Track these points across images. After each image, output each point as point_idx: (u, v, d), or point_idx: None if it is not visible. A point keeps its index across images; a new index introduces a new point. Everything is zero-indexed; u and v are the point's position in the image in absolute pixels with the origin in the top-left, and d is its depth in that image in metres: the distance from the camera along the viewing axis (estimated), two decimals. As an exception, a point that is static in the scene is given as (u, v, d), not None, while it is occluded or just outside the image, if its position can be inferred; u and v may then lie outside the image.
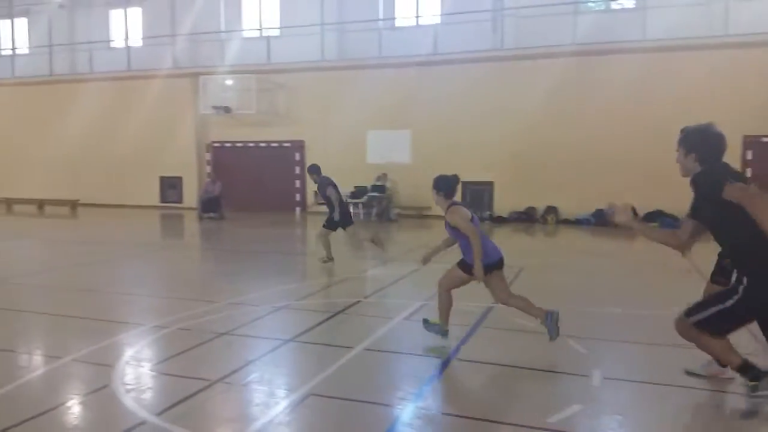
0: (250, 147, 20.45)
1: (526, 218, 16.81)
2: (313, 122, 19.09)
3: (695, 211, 3.73)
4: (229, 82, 19.43)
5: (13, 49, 23.36)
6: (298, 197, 19.78)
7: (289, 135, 19.66)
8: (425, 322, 5.69)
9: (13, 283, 8.58)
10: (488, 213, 17.05)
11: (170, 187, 21.58)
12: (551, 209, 16.65)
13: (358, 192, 17.75)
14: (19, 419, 3.86)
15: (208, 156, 21.03)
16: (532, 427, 3.81)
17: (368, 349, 5.38)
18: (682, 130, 3.83)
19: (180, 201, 21.27)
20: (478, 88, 17.13)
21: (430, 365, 5.01)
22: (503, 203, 17.32)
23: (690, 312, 3.80)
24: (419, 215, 17.67)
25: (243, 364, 4.99)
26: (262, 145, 20.28)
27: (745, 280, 3.54)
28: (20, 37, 23.42)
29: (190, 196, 20.87)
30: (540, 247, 13.94)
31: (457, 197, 5.82)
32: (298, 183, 19.67)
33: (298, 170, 19.65)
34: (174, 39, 20.69)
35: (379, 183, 17.69)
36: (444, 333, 5.54)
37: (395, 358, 5.27)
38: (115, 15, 22.17)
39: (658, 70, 15.60)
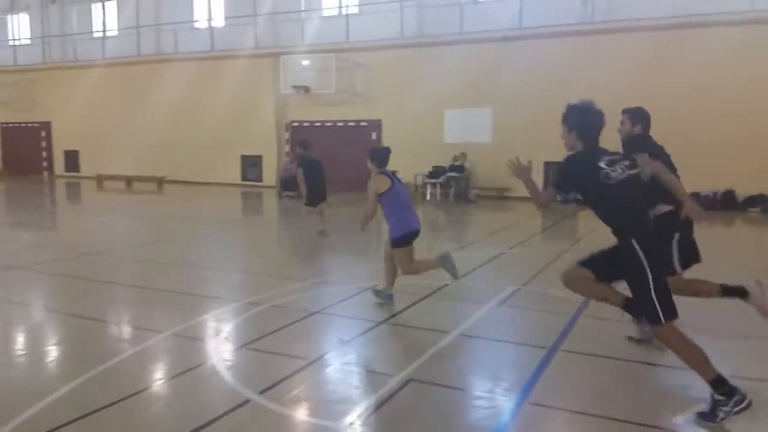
0: (328, 126, 20.50)
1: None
2: (390, 101, 18.89)
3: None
4: (307, 62, 19.49)
5: (104, 31, 24.32)
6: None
7: (366, 114, 19.56)
8: (375, 291, 6.06)
9: (111, 256, 8.91)
10: (573, 194, 16.34)
11: (251, 165, 22.00)
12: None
13: (436, 172, 17.45)
14: (126, 393, 3.91)
15: (287, 135, 21.26)
16: (656, 428, 3.50)
17: (464, 335, 5.18)
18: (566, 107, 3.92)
19: (260, 179, 21.66)
20: (565, 63, 16.36)
21: (533, 355, 4.74)
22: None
23: (649, 318, 3.65)
24: (499, 196, 17.21)
25: (338, 345, 4.90)
26: (340, 124, 20.28)
27: (633, 242, 3.59)
28: (110, 20, 24.34)
29: (270, 174, 21.22)
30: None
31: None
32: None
33: (375, 149, 19.56)
34: (255, 19, 20.90)
35: (457, 163, 17.31)
36: (390, 297, 5.95)
37: (494, 346, 5.05)
38: (199, -5, 22.64)
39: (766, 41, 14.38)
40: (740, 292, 4.35)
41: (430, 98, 17.99)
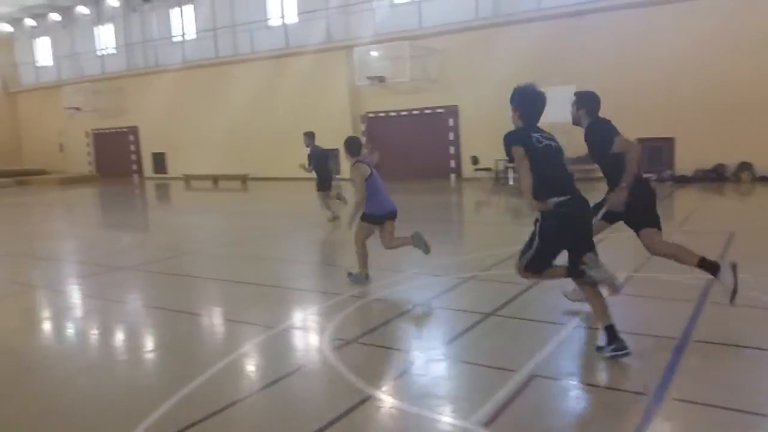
0: (404, 115, 20.36)
1: (715, 176, 15.06)
2: (466, 85, 18.52)
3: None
4: (376, 53, 19.39)
5: (183, 35, 25.15)
6: (452, 164, 19.41)
7: (442, 100, 19.28)
8: (349, 274, 6.44)
9: (209, 254, 9.15)
10: (669, 172, 15.50)
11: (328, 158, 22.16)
12: (745, 165, 14.71)
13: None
14: (245, 392, 3.92)
15: (363, 127, 21.29)
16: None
17: (583, 327, 4.90)
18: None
19: (338, 172, 21.79)
20: (652, 33, 15.49)
21: (663, 346, 4.41)
22: (686, 160, 15.65)
23: (518, 260, 4.27)
24: (585, 178, 16.49)
25: (451, 338, 4.75)
26: (415, 112, 20.10)
27: (539, 217, 4.12)
28: (188, 24, 25.14)
29: (347, 167, 21.29)
30: (741, 209, 12.37)
31: None
32: (452, 149, 19.29)
33: (452, 136, 19.26)
34: (327, 12, 20.99)
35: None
36: (366, 276, 6.37)
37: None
38: (272, -7, 22.98)
39: None
40: (713, 269, 4.62)
41: (508, 80, 17.27)
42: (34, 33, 30.19)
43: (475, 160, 18.08)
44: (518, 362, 4.17)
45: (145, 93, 25.98)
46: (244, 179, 22.22)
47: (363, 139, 21.36)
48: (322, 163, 11.57)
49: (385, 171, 18.64)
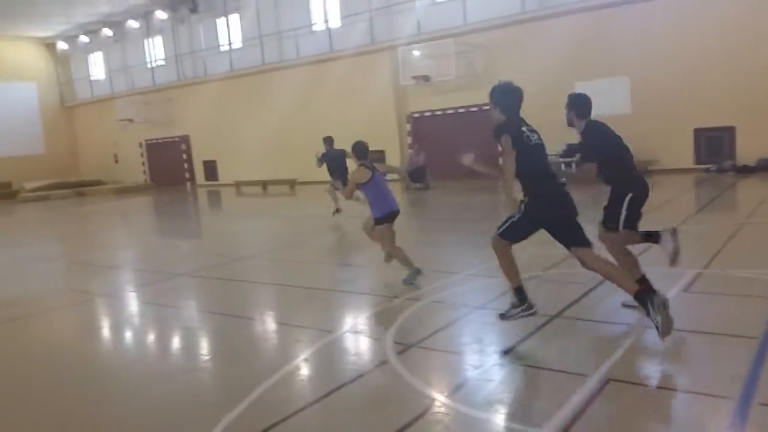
0: (449, 114, 20.18)
1: (781, 166, 14.35)
2: (513, 80, 18.15)
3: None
4: (420, 52, 19.25)
5: (230, 44, 25.62)
6: (500, 162, 19.09)
7: (488, 97, 18.97)
8: (404, 280, 6.47)
9: (264, 259, 9.24)
10: (730, 162, 14.84)
11: (375, 160, 22.14)
12: (813, 153, 14.00)
13: (570, 150, 16.53)
14: (312, 398, 3.90)
15: (408, 127, 21.21)
16: None
17: (653, 328, 4.67)
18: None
19: (384, 174, 21.77)
20: (706, 18, 14.88)
21: (744, 347, 4.16)
22: (748, 149, 14.95)
23: (498, 227, 4.59)
24: (643, 170, 15.95)
25: (516, 342, 4.61)
26: (461, 110, 19.88)
27: (527, 200, 4.49)
28: (234, 33, 25.59)
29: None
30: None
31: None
32: (500, 147, 18.96)
33: (500, 133, 18.97)
34: (370, 14, 21.00)
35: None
36: (417, 271, 6.45)
37: (693, 339, 4.50)
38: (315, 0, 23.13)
39: None
40: (655, 238, 5.06)
41: (557, 73, 17.10)
42: (88, 48, 31.32)
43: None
44: (590, 366, 4.01)
45: (194, 102, 26.60)
46: (292, 184, 22.47)
47: (409, 140, 21.44)
48: (340, 164, 12.25)
49: (432, 171, 18.65)
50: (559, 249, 6.58)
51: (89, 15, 27.49)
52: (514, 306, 4.62)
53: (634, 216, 5.06)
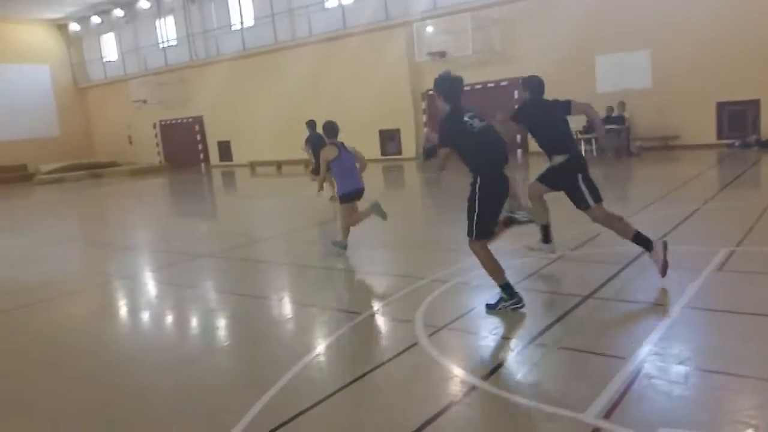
0: (466, 90, 19.77)
1: (808, 140, 14.00)
2: (531, 55, 17.84)
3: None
4: (432, 27, 18.90)
5: (242, 23, 25.36)
6: (518, 138, 18.84)
7: (507, 73, 18.66)
8: (333, 242, 7.33)
9: (284, 239, 9.18)
10: (754, 137, 14.50)
11: (389, 139, 22.01)
12: (843, 126, 13.63)
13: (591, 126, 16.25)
14: (345, 380, 3.83)
15: (423, 105, 20.95)
16: None
17: (691, 308, 4.56)
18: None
19: (399, 153, 21.63)
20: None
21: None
22: (774, 124, 14.61)
23: (467, 233, 4.77)
24: (664, 146, 15.72)
25: (549, 323, 4.50)
26: (478, 86, 19.55)
27: (477, 179, 4.67)
28: (246, 11, 25.31)
29: (409, 147, 21.10)
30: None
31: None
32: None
33: (518, 110, 18.67)
34: (384, -11, 20.65)
35: (614, 114, 15.97)
36: (344, 247, 7.21)
37: (734, 320, 4.36)
38: (327, -25, 22.76)
39: None
40: (647, 245, 5.14)
41: (576, 46, 16.76)
42: (100, 29, 31.16)
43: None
44: (628, 348, 3.91)
45: (207, 82, 26.44)
46: (306, 164, 22.27)
47: (424, 118, 21.20)
48: (316, 147, 12.00)
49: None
50: (585, 227, 6.43)
51: (100, -5, 27.32)
52: (503, 300, 4.76)
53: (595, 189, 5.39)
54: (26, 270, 8.42)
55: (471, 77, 19.34)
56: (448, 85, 4.77)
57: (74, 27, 31.66)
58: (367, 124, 21.62)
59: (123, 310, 6.30)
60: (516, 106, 6.04)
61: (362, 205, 7.43)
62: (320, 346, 4.50)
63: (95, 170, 28.77)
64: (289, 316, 5.51)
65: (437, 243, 7.95)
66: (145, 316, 5.99)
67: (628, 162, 14.65)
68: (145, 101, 28.36)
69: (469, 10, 18.23)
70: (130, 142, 31.33)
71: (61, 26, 31.82)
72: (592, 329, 4.42)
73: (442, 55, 18.86)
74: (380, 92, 21.00)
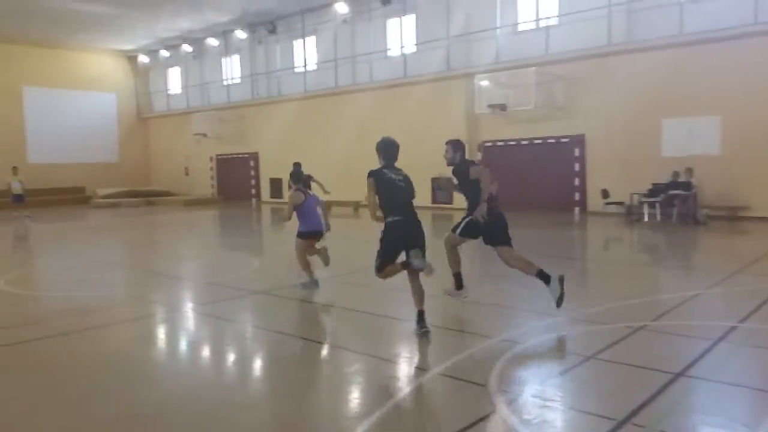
0: (524, 144, 19.64)
1: None
2: (594, 113, 17.59)
3: None
4: (492, 81, 18.86)
5: (305, 66, 25.96)
6: (577, 196, 18.40)
7: (568, 129, 18.40)
8: (302, 284, 8.01)
9: (340, 282, 8.92)
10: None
11: (439, 188, 21.78)
12: None
13: (656, 190, 15.70)
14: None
15: (479, 156, 20.75)
16: None
17: (805, 398, 4.07)
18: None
19: (450, 202, 21.36)
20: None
21: None
22: None
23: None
24: (732, 216, 15.02)
25: (644, 401, 4.07)
26: (537, 141, 19.33)
27: (383, 229, 5.80)
28: (310, 55, 25.92)
29: (461, 197, 20.79)
30: None
31: None
32: (577, 180, 18.30)
33: (577, 167, 18.30)
34: (447, 41, 20.83)
35: (680, 180, 15.41)
36: (315, 283, 7.96)
37: None
38: (392, 24, 23.15)
39: None
40: (546, 279, 6.09)
41: (643, 108, 16.42)
42: (168, 63, 32.43)
43: (605, 194, 16.92)
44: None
45: (266, 121, 27.00)
46: (356, 206, 22.30)
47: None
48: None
49: (504, 201, 18.07)
50: (666, 296, 6.00)
51: (171, 30, 28.47)
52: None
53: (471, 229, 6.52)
54: (82, 293, 8.38)
55: (530, 131, 19.21)
56: (386, 149, 5.98)
57: (143, 59, 33.06)
58: (420, 171, 21.37)
59: (178, 344, 6.12)
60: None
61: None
62: (388, 404, 4.16)
63: (150, 198, 29.44)
64: (351, 365, 5.18)
65: (507, 298, 7.58)
66: (198, 353, 5.78)
67: (695, 230, 13.99)
68: (204, 135, 29.10)
69: (533, 65, 18.16)
70: (187, 174, 32.05)
71: (130, 57, 33.27)
72: (694, 411, 3.97)
73: (503, 108, 18.75)
74: (435, 141, 20.69)
